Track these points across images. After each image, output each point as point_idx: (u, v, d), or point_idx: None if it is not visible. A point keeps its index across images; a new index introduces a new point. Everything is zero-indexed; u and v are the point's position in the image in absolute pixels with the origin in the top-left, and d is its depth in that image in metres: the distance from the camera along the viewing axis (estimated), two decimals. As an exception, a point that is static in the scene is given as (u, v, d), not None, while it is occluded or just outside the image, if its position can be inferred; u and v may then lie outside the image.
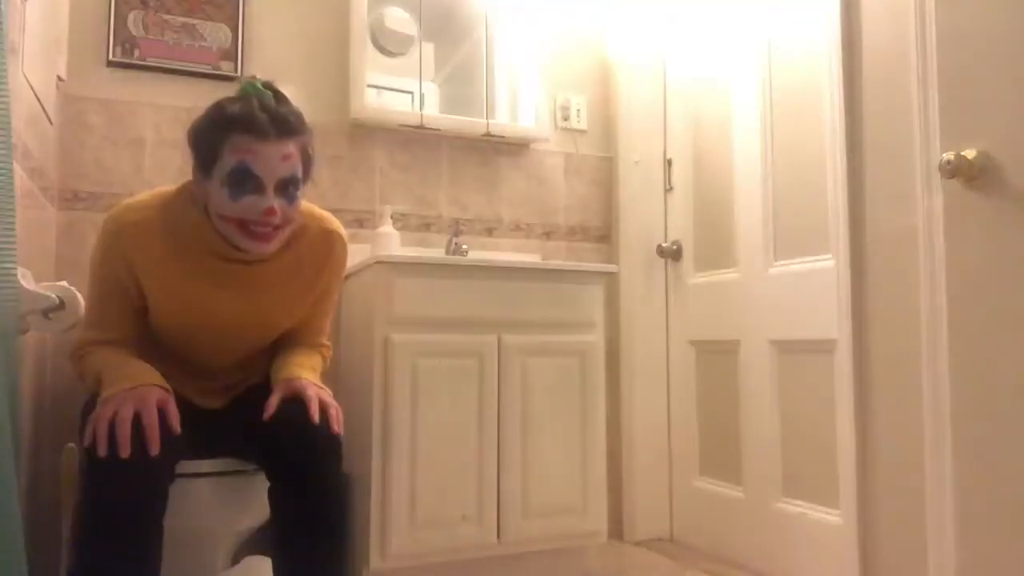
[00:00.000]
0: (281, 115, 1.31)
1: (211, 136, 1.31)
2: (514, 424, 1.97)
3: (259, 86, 1.34)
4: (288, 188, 1.32)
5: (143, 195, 1.41)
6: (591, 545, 2.12)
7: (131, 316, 1.40)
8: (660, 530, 2.51)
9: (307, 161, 1.37)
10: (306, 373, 1.45)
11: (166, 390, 1.28)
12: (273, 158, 1.29)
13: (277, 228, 1.33)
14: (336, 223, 1.54)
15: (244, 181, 1.28)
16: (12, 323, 1.11)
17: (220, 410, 1.52)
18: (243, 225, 1.31)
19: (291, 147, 1.31)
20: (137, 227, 1.35)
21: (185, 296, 1.39)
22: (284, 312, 1.50)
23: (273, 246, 1.36)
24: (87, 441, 1.19)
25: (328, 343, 1.64)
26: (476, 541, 1.90)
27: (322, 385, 1.45)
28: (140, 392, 1.23)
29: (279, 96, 1.35)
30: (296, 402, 1.37)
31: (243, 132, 1.28)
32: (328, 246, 1.50)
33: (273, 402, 1.37)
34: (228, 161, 1.28)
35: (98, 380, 1.30)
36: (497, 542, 1.93)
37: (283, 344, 1.55)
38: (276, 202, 1.30)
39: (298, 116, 1.35)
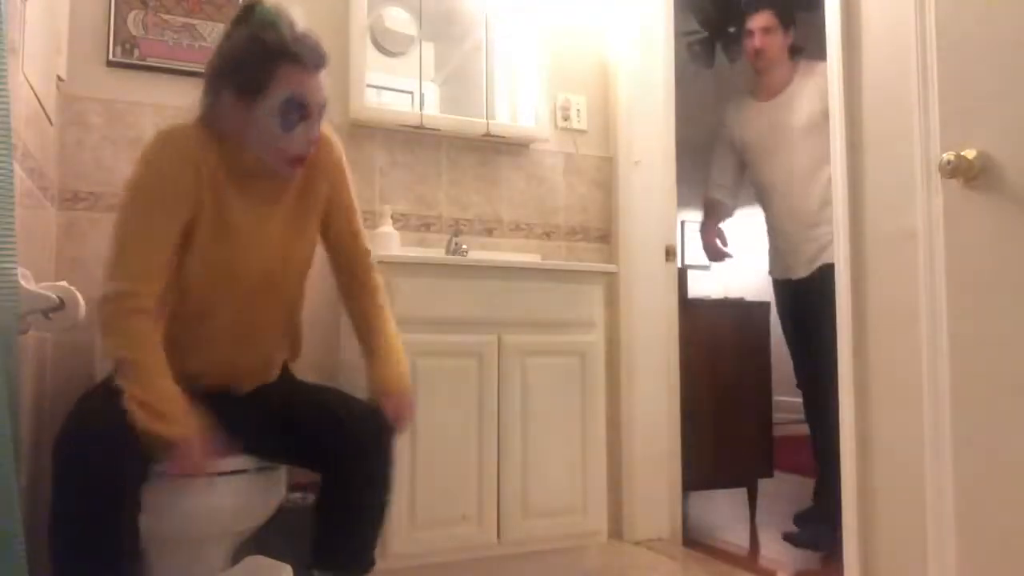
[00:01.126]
0: (314, 43, 1.37)
1: (256, 67, 1.32)
2: (514, 424, 1.97)
3: (279, 11, 1.36)
4: (321, 112, 1.39)
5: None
6: (591, 545, 2.12)
7: (168, 261, 1.33)
8: (660, 530, 2.51)
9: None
10: (399, 370, 1.51)
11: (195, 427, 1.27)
12: (318, 88, 1.36)
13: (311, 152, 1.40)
14: (325, 129, 1.53)
15: (295, 111, 1.33)
16: (12, 323, 1.11)
17: (236, 407, 1.47)
18: (286, 153, 1.36)
19: (323, 78, 1.38)
20: (196, 138, 1.37)
21: (234, 221, 1.40)
22: (310, 236, 1.53)
23: (300, 167, 1.42)
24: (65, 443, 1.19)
25: (373, 263, 1.62)
26: (476, 541, 1.90)
27: (405, 377, 1.52)
28: (184, 451, 1.22)
29: (289, 20, 1.38)
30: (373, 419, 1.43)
31: (293, 63, 1.32)
32: (323, 153, 1.51)
33: (359, 409, 1.43)
34: (279, 92, 1.32)
35: (123, 373, 1.24)
36: (497, 542, 1.93)
37: (348, 293, 1.58)
38: (318, 127, 1.39)
39: (320, 43, 1.39)
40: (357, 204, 1.59)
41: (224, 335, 1.45)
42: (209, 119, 1.39)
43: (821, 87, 2.17)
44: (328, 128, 1.52)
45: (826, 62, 2.08)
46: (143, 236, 1.31)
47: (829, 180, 1.82)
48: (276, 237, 1.46)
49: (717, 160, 2.79)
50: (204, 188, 1.36)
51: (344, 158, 1.56)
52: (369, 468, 1.40)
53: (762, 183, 2.67)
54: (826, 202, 2.09)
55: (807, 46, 4.48)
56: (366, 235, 1.61)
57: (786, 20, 2.63)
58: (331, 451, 1.39)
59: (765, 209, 2.71)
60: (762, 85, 2.66)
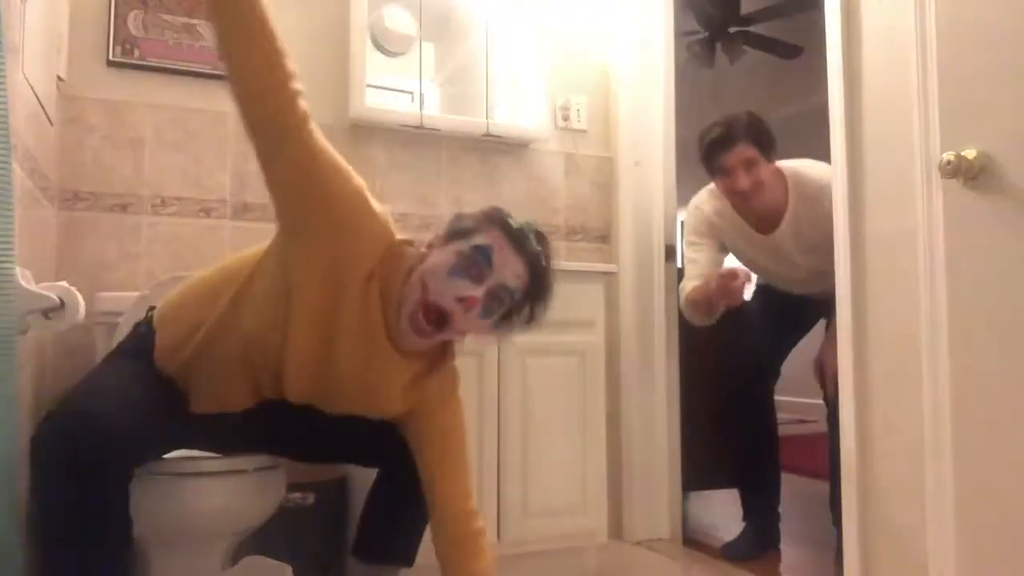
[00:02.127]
0: (536, 251, 1.28)
1: (476, 220, 1.28)
2: (514, 424, 1.97)
3: (534, 227, 1.31)
4: (496, 299, 1.24)
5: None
6: (591, 545, 2.13)
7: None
8: (660, 530, 2.51)
9: (522, 302, 1.28)
10: None
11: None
12: (512, 266, 1.24)
13: (448, 329, 1.23)
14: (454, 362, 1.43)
15: (475, 265, 1.22)
16: (12, 323, 1.11)
17: (292, 412, 1.38)
18: (425, 305, 1.20)
19: (526, 276, 1.26)
20: (387, 248, 1.27)
21: (324, 320, 1.23)
22: (383, 403, 1.35)
23: (428, 343, 1.26)
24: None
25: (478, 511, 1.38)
26: (476, 541, 1.90)
27: None
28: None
29: (545, 243, 1.31)
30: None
31: (506, 234, 1.25)
32: (440, 365, 1.38)
33: None
34: (476, 239, 1.24)
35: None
36: (497, 542, 1.93)
37: (441, 528, 1.34)
38: (481, 299, 1.22)
39: (549, 270, 1.30)
40: (468, 463, 1.38)
41: (253, 386, 1.35)
42: (411, 260, 1.27)
43: (818, 213, 1.97)
44: (454, 353, 1.40)
45: (813, 171, 2.13)
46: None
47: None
48: (367, 387, 1.31)
49: (700, 261, 2.29)
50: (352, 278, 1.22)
51: (456, 391, 1.40)
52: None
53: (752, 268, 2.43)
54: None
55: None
56: (471, 483, 1.38)
57: (767, 148, 2.15)
58: (392, 448, 1.39)
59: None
60: (756, 217, 2.23)
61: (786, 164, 2.21)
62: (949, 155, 1.36)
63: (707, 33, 4.69)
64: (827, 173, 1.87)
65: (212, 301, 1.29)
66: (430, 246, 1.27)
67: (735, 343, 2.45)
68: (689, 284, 2.24)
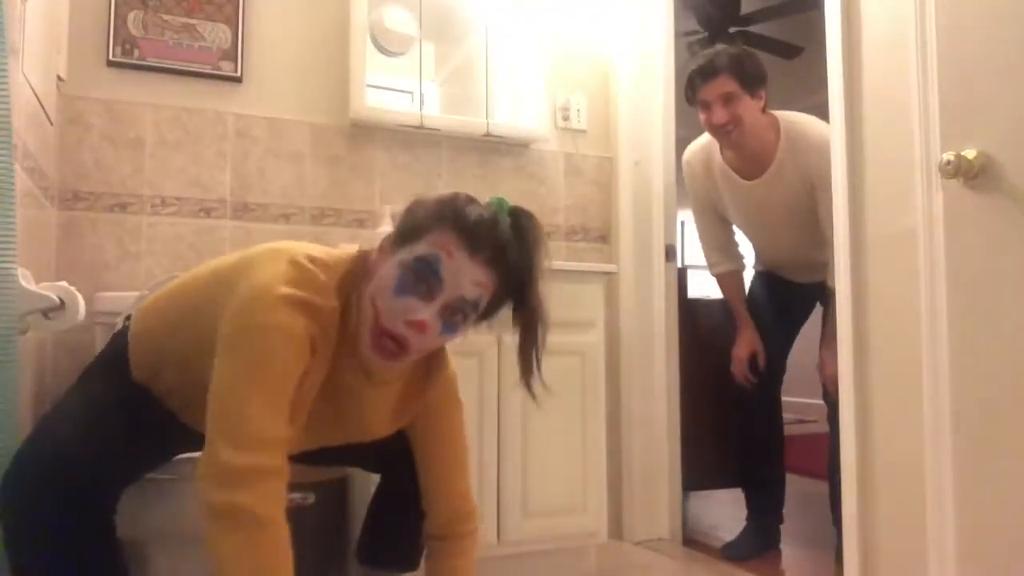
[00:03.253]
0: (504, 242, 1.07)
1: (426, 217, 1.09)
2: (514, 424, 1.97)
3: (507, 208, 1.12)
4: (458, 313, 1.07)
5: (305, 251, 1.10)
6: (591, 545, 2.12)
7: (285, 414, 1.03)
8: (660, 530, 2.51)
9: (497, 301, 1.11)
10: None
11: None
12: (467, 274, 1.05)
13: (406, 351, 1.07)
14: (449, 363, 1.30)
15: (421, 279, 1.04)
16: (12, 323, 1.11)
17: None
18: (379, 330, 1.05)
19: (490, 278, 1.07)
20: (324, 316, 1.06)
21: (315, 417, 1.13)
22: (374, 431, 1.27)
23: (397, 365, 1.11)
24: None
25: (476, 510, 1.34)
26: (476, 541, 1.90)
27: None
28: None
29: (522, 226, 1.12)
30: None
31: (459, 232, 1.05)
32: (433, 379, 1.26)
33: None
34: (421, 247, 1.05)
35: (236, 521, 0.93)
36: (497, 542, 1.93)
37: (433, 523, 1.31)
38: (434, 320, 1.05)
39: (526, 257, 1.10)
40: (468, 465, 1.33)
41: None
42: (371, 264, 1.12)
43: (805, 169, 2.06)
44: (447, 359, 1.27)
45: (811, 126, 2.11)
46: (279, 388, 1.01)
47: (822, 242, 1.85)
48: (352, 425, 1.23)
49: (707, 234, 2.45)
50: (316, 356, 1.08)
51: (455, 397, 1.30)
52: None
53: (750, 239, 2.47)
54: (820, 246, 2.05)
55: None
56: (470, 483, 1.33)
57: (751, 83, 2.08)
58: (396, 454, 1.34)
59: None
60: (742, 160, 2.21)
61: (784, 113, 2.19)
62: (949, 155, 1.36)
63: (707, 33, 4.69)
64: (826, 131, 1.83)
65: (190, 321, 1.16)
66: (381, 250, 1.11)
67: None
68: (717, 259, 2.44)
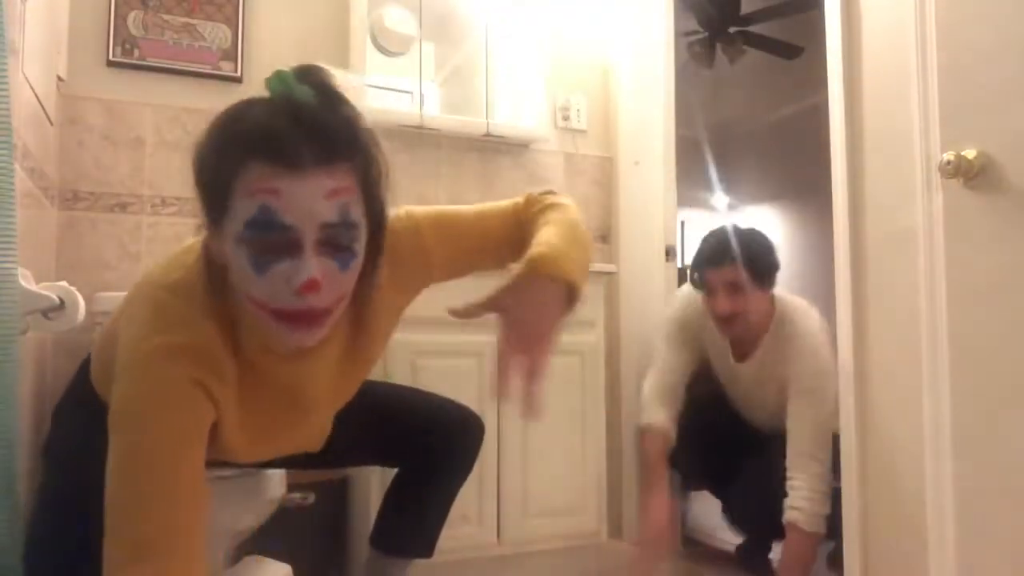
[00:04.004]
0: (321, 124, 0.84)
1: (214, 168, 0.85)
2: (514, 424, 1.97)
3: (292, 80, 0.86)
4: (339, 242, 0.85)
5: (160, 279, 0.94)
6: (591, 545, 2.12)
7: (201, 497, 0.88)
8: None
9: (372, 195, 0.89)
10: (562, 248, 1.01)
11: None
12: (309, 196, 0.81)
13: (324, 312, 0.87)
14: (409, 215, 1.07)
15: (268, 243, 0.82)
16: (12, 323, 1.11)
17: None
18: (277, 314, 0.86)
19: (341, 176, 0.84)
20: (202, 349, 0.89)
21: (255, 430, 1.01)
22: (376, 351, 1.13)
23: (322, 332, 0.89)
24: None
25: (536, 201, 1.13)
26: (476, 541, 1.90)
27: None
28: None
29: (326, 93, 0.87)
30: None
31: (262, 158, 0.81)
32: (408, 249, 1.06)
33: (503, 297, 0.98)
34: (242, 207, 0.82)
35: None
36: (497, 542, 1.93)
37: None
38: (319, 266, 0.83)
39: (351, 123, 0.88)
40: (476, 228, 1.12)
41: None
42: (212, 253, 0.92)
43: (783, 364, 1.94)
44: (400, 212, 1.04)
45: (800, 314, 1.97)
46: (151, 491, 0.84)
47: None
48: (324, 396, 1.08)
49: (665, 367, 2.12)
50: (219, 413, 0.93)
51: (424, 229, 1.08)
52: (452, 468, 1.40)
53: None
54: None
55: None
56: (505, 205, 1.13)
57: (762, 276, 1.95)
58: (413, 446, 1.35)
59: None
60: (734, 343, 2.10)
61: (785, 297, 2.04)
62: (949, 155, 1.36)
63: (707, 33, 4.68)
64: (813, 324, 1.96)
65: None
66: (211, 238, 0.90)
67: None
68: (652, 408, 2.06)
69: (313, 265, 0.82)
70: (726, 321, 1.96)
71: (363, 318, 1.03)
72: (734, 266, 1.91)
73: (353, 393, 1.15)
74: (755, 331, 2.00)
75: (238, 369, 0.94)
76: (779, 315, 2.00)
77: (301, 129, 0.82)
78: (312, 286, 0.82)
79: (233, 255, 0.84)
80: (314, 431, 1.15)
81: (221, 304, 0.91)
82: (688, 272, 2.00)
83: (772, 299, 2.00)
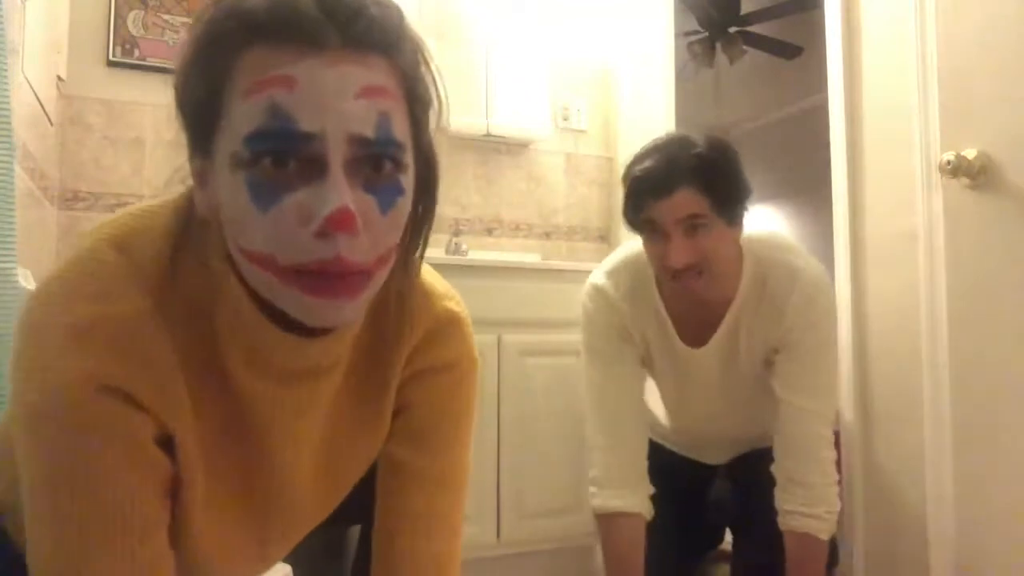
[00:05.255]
0: (355, 5, 0.56)
1: (208, 65, 0.58)
2: (513, 424, 1.97)
3: None
4: (381, 165, 0.57)
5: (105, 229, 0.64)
6: (590, 545, 2.12)
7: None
8: (660, 530, 2.50)
9: (418, 117, 0.61)
10: None
11: None
12: (336, 88, 0.54)
13: (361, 274, 0.57)
14: (455, 300, 0.81)
15: (277, 158, 0.54)
16: (12, 323, 1.11)
17: None
18: (287, 274, 0.56)
19: (378, 72, 0.57)
20: (133, 343, 0.59)
21: (230, 471, 0.67)
22: (379, 433, 0.77)
23: (357, 309, 0.59)
24: None
25: None
26: (476, 541, 1.90)
27: None
28: None
29: None
30: None
31: (268, 36, 0.55)
32: (443, 342, 0.76)
33: None
34: (240, 113, 0.55)
35: None
36: (497, 542, 1.93)
37: None
38: (355, 198, 0.55)
39: (390, 7, 0.59)
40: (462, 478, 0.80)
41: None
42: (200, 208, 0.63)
43: (769, 331, 1.32)
44: (457, 301, 0.81)
45: (786, 269, 1.31)
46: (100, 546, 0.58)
47: (768, 418, 1.34)
48: (312, 464, 0.73)
49: (610, 415, 1.40)
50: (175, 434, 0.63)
51: (471, 367, 0.79)
52: None
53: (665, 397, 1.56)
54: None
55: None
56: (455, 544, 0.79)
57: (728, 201, 1.26)
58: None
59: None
60: (688, 315, 1.38)
61: (755, 238, 1.37)
62: (949, 155, 1.36)
63: (707, 33, 4.68)
64: (813, 280, 1.31)
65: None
66: (197, 177, 0.64)
67: None
68: (609, 495, 1.37)
69: (345, 190, 0.54)
70: (685, 276, 1.25)
71: (385, 334, 0.71)
72: (691, 192, 1.22)
73: (348, 481, 0.78)
74: (721, 290, 1.32)
75: (207, 393, 0.63)
76: (752, 263, 1.34)
77: (319, 3, 0.55)
78: (345, 219, 0.53)
79: (226, 191, 0.56)
80: (281, 526, 0.75)
81: (192, 289, 0.61)
82: (625, 202, 1.31)
83: (738, 243, 1.34)
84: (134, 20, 2.09)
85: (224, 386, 0.64)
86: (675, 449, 1.59)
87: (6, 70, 1.06)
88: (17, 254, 1.12)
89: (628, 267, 1.41)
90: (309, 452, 0.71)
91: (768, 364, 1.37)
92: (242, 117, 0.55)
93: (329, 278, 0.55)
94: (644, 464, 1.39)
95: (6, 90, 1.06)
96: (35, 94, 1.55)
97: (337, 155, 0.54)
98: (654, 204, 1.25)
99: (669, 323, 1.38)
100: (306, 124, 0.53)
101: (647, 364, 1.45)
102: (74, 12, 2.02)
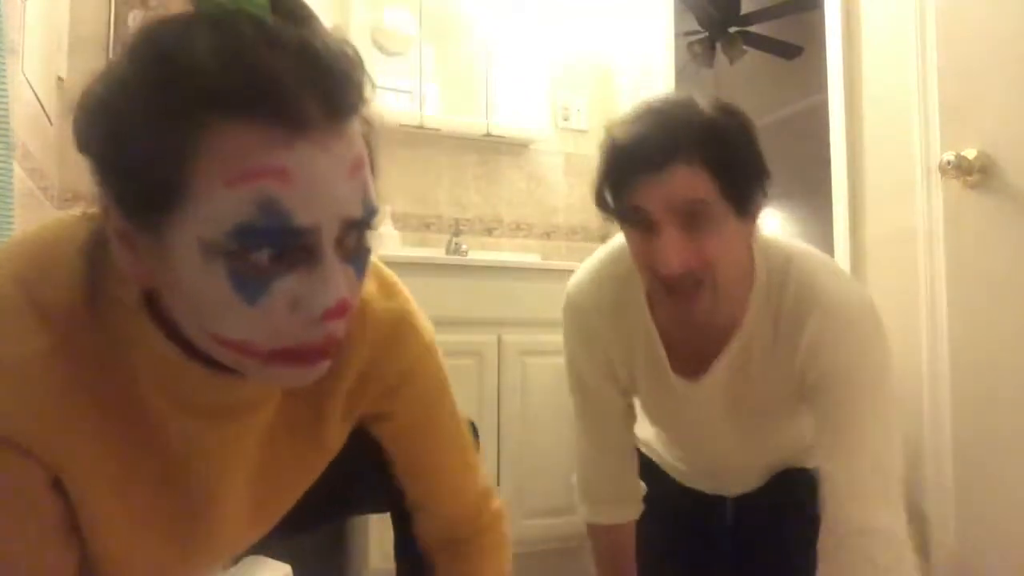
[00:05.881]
0: (313, 54, 0.51)
1: (158, 132, 0.49)
2: (513, 423, 1.97)
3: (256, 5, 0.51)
4: (361, 238, 0.56)
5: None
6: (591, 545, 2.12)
7: None
8: (660, 530, 2.50)
9: (374, 137, 0.62)
10: None
11: None
12: (329, 175, 0.51)
13: (334, 345, 0.56)
14: (391, 291, 0.75)
15: (274, 248, 0.51)
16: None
17: None
18: (275, 354, 0.54)
19: (352, 139, 0.55)
20: (23, 388, 0.55)
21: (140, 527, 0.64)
22: (326, 450, 0.75)
23: (326, 365, 0.57)
24: None
25: (494, 498, 0.90)
26: (476, 541, 1.90)
27: None
28: None
29: (290, 4, 0.54)
30: None
31: (245, 116, 0.48)
32: (394, 351, 0.73)
33: None
34: (222, 201, 0.49)
35: None
36: (497, 542, 1.93)
37: (431, 542, 0.86)
38: (346, 280, 0.54)
39: (343, 51, 0.55)
40: (460, 436, 0.84)
41: None
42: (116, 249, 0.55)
43: (795, 350, 0.98)
44: (403, 297, 0.76)
45: (815, 277, 0.99)
46: None
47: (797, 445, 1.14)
48: (240, 503, 0.70)
49: (596, 439, 1.21)
50: (74, 496, 0.60)
51: (431, 358, 0.78)
52: None
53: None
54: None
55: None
56: (479, 479, 0.87)
57: (745, 193, 0.92)
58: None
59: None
60: (685, 338, 1.06)
61: (768, 240, 1.03)
62: (949, 155, 1.36)
63: (707, 33, 4.68)
64: (840, 291, 0.99)
65: None
66: (126, 246, 0.55)
67: None
68: (598, 510, 1.23)
69: (340, 279, 0.53)
70: (680, 287, 0.92)
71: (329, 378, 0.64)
72: (693, 170, 0.88)
73: (283, 509, 0.76)
74: (728, 310, 0.99)
75: (121, 429, 0.59)
76: (765, 275, 1.00)
77: (289, 64, 0.49)
78: (342, 309, 0.53)
79: (196, 276, 0.51)
80: (215, 549, 0.72)
81: (107, 323, 0.57)
82: (595, 192, 1.01)
83: (751, 246, 1.01)
84: (134, 20, 2.09)
85: (143, 420, 0.60)
86: (676, 477, 1.32)
87: (6, 70, 1.06)
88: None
89: (612, 272, 1.09)
90: (243, 482, 0.68)
91: (793, 396, 1.03)
92: (224, 207, 0.49)
93: (315, 352, 0.55)
94: (632, 471, 1.20)
95: (5, 90, 1.06)
96: (35, 94, 1.55)
97: (330, 241, 0.52)
98: (642, 184, 0.90)
99: (661, 348, 1.06)
100: (302, 218, 0.50)
101: (632, 392, 1.18)
102: (74, 12, 2.02)
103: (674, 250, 0.89)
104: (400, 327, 0.73)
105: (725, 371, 1.04)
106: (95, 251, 0.57)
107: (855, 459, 0.93)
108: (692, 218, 0.89)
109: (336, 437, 0.73)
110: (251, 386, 0.62)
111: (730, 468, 1.24)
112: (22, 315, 0.55)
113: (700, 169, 0.88)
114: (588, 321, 1.12)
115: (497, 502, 0.90)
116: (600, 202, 1.00)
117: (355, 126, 0.55)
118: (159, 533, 0.64)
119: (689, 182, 0.88)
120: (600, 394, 1.16)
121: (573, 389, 1.22)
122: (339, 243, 0.53)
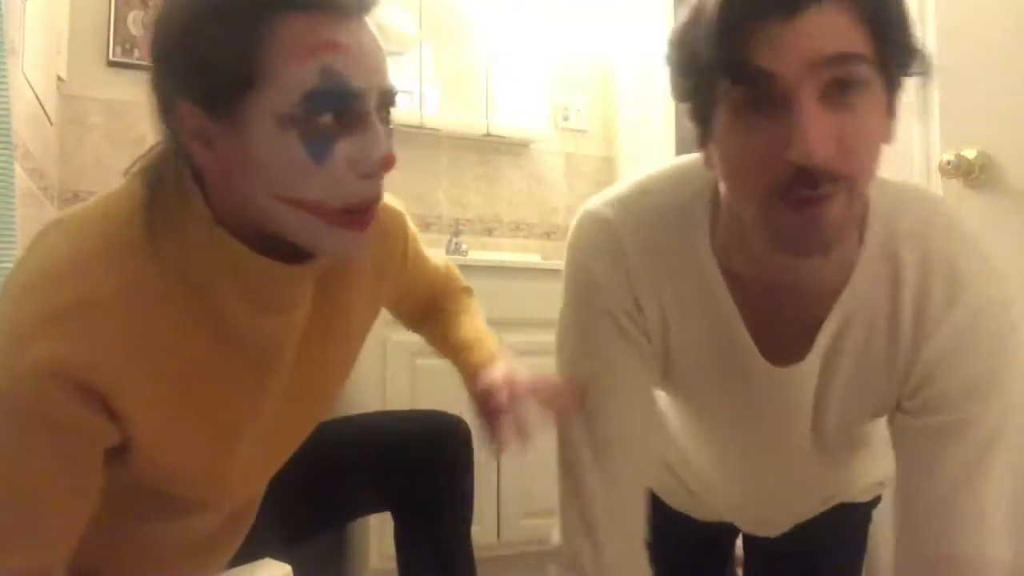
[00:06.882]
0: None
1: (228, 27, 0.60)
2: (514, 424, 1.97)
3: None
4: (388, 105, 0.67)
5: (57, 247, 0.65)
6: (591, 545, 2.13)
7: (80, 521, 0.64)
8: (660, 530, 2.50)
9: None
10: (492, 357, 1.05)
11: None
12: (372, 50, 0.65)
13: (375, 206, 0.68)
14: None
15: (336, 111, 0.62)
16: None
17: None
18: (339, 212, 0.64)
19: (374, 27, 0.69)
20: (97, 329, 0.61)
21: (205, 430, 0.71)
22: (350, 356, 0.89)
23: (368, 239, 0.69)
24: None
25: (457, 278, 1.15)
26: (476, 541, 1.88)
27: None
28: None
29: None
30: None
31: (306, 10, 0.61)
32: (386, 234, 0.89)
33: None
34: (289, 75, 0.60)
35: None
36: (497, 542, 1.93)
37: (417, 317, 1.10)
38: (385, 135, 0.65)
39: None
40: (435, 259, 1.06)
41: (202, 538, 0.87)
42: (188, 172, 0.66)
43: (914, 364, 0.73)
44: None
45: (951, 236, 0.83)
46: (31, 507, 0.61)
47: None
48: (338, 357, 0.85)
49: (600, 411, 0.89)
50: (127, 423, 0.64)
51: (411, 234, 0.96)
52: (444, 496, 1.12)
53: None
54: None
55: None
56: (439, 263, 1.09)
57: (899, 42, 0.67)
58: (398, 488, 1.06)
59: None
60: (768, 302, 0.73)
61: (889, 187, 0.80)
62: (949, 155, 1.36)
63: (707, 33, 4.69)
64: (995, 285, 0.81)
65: None
66: (202, 142, 0.64)
67: None
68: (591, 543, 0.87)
69: (384, 139, 0.65)
70: (806, 190, 0.61)
71: (335, 273, 0.77)
72: (843, 13, 0.61)
73: (318, 406, 0.86)
74: (838, 255, 0.70)
75: (198, 348, 0.67)
76: (883, 228, 0.75)
77: None
78: (391, 160, 0.65)
79: (271, 148, 0.61)
80: (274, 433, 0.79)
81: (173, 256, 0.66)
82: (676, 63, 0.67)
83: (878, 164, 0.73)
84: (134, 20, 2.09)
85: (219, 335, 0.69)
86: (682, 510, 1.06)
87: (6, 70, 1.06)
88: (17, 254, 1.12)
89: (674, 197, 0.76)
90: (292, 362, 0.77)
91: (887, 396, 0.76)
92: (293, 80, 0.60)
93: (364, 213, 0.66)
94: (640, 517, 0.87)
95: (6, 90, 1.06)
96: (35, 94, 1.55)
97: (373, 107, 0.64)
98: (770, 34, 0.59)
99: (738, 318, 0.74)
100: (356, 82, 0.62)
101: (668, 381, 0.85)
102: (74, 12, 2.02)
103: (819, 126, 0.59)
104: (396, 218, 0.92)
105: (823, 353, 0.73)
106: (147, 201, 0.67)
107: (985, 488, 0.71)
108: (837, 87, 0.62)
109: (363, 323, 0.86)
110: (309, 272, 0.71)
111: (788, 499, 0.92)
112: (89, 261, 0.62)
113: (851, 14, 0.61)
114: (613, 247, 0.77)
115: (457, 272, 1.14)
116: (683, 78, 0.66)
117: (372, 15, 0.69)
118: (217, 424, 0.71)
119: (839, 32, 0.60)
120: (617, 358, 0.81)
121: (568, 360, 0.91)
122: (377, 111, 0.65)
